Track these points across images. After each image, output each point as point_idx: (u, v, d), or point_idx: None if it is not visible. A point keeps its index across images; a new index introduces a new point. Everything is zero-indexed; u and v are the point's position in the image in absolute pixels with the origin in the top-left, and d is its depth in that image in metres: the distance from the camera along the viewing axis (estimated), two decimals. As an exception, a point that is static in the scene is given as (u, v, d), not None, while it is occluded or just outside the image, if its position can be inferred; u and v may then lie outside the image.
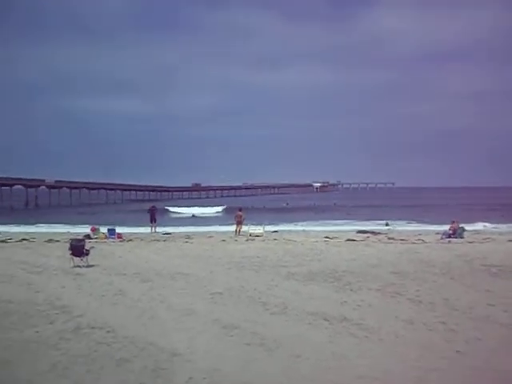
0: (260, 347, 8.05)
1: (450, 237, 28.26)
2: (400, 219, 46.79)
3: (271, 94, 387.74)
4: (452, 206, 73.19)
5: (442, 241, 27.04)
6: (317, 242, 26.04)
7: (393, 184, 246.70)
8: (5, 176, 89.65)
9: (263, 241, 27.16)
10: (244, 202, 75.61)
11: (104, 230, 30.40)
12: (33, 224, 44.19)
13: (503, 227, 36.68)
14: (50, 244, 25.83)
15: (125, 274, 15.56)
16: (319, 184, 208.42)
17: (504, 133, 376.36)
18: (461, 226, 29.81)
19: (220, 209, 72.71)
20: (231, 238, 29.26)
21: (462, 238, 28.17)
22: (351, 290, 12.70)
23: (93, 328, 9.16)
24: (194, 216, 64.75)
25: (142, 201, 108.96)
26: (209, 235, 31.23)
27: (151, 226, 34.75)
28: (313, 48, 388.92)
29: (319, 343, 8.25)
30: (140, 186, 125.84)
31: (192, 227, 40.85)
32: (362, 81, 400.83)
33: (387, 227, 39.24)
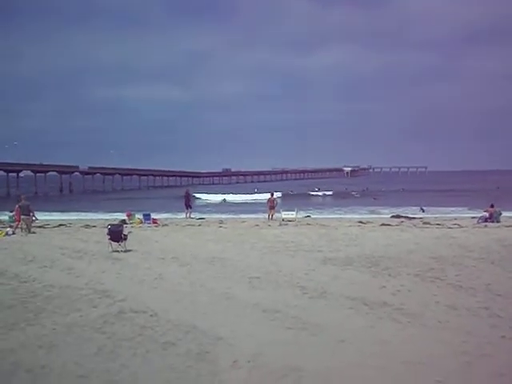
0: (302, 331, 8.04)
1: (486, 221, 27.87)
2: (434, 204, 46.14)
3: (300, 78, 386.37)
4: (487, 190, 71.91)
5: (478, 225, 26.66)
6: (351, 226, 25.93)
7: (425, 168, 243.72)
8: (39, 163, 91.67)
9: (296, 226, 27.13)
10: (274, 187, 75.44)
11: (138, 215, 30.79)
12: (68, 210, 44.99)
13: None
14: (86, 229, 26.30)
15: (163, 259, 15.71)
16: (350, 168, 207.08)
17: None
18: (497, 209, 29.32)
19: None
20: (264, 223, 29.33)
21: (498, 222, 27.74)
22: (390, 275, 12.57)
23: (136, 312, 9.26)
24: (224, 201, 65.16)
25: (174, 186, 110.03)
26: (242, 220, 31.42)
27: (186, 212, 34.83)
28: (346, 31, 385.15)
29: (361, 328, 8.21)
30: (171, 171, 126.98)
31: (224, 214, 41.11)
32: (395, 64, 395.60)
33: (422, 212, 38.73)
